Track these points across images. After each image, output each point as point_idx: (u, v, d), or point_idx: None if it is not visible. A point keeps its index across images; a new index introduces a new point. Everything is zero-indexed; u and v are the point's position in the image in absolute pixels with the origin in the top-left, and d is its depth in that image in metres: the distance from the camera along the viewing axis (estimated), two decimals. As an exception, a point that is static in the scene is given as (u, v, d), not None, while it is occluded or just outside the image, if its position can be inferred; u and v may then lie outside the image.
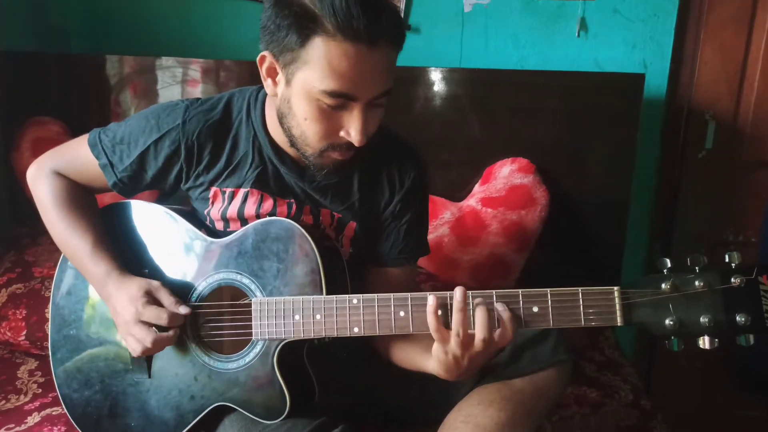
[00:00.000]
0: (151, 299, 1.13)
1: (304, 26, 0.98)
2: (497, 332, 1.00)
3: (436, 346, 1.03)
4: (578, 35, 2.02)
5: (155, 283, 1.15)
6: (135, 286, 1.14)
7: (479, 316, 0.99)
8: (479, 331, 0.99)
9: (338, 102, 1.02)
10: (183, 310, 1.13)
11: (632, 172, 1.99)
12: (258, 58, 1.07)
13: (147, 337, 1.11)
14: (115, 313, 1.16)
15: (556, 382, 1.18)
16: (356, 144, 1.06)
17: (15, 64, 2.06)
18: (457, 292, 1.00)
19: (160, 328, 1.12)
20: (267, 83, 1.10)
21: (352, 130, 1.05)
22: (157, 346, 1.13)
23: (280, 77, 1.06)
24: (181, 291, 1.18)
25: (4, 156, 2.06)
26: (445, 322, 1.01)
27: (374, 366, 1.29)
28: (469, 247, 1.89)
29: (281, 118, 1.11)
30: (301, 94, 1.03)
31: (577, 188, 2.00)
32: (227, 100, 1.22)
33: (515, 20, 2.04)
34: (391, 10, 1.02)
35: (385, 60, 1.02)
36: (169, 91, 2.08)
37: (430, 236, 1.52)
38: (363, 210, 1.22)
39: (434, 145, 1.95)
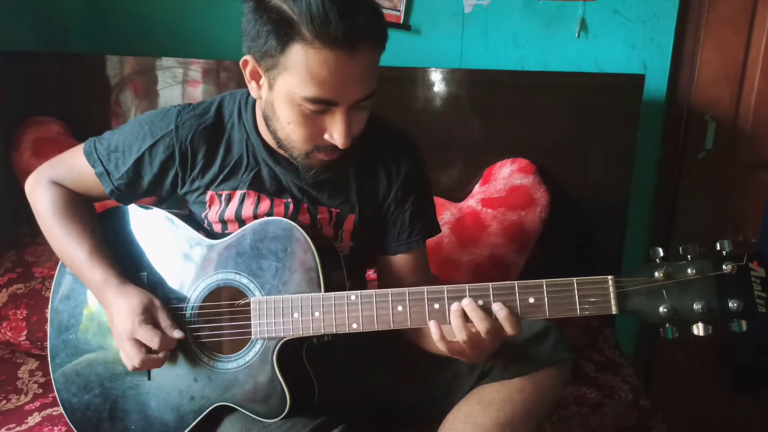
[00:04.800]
0: (149, 318, 1.13)
1: (283, 33, 0.97)
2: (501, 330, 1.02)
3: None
4: (578, 36, 2.02)
5: (156, 302, 1.16)
6: (135, 300, 1.14)
7: (472, 316, 1.01)
8: (480, 326, 1.01)
9: (320, 107, 1.02)
10: (177, 334, 1.13)
11: (632, 172, 1.99)
12: (241, 62, 1.07)
13: (136, 357, 1.12)
14: (111, 321, 1.17)
15: (556, 381, 1.18)
16: (340, 146, 1.06)
17: (15, 63, 2.06)
18: (453, 308, 1.02)
19: (151, 349, 1.13)
20: (251, 86, 1.10)
21: (336, 133, 1.05)
22: (145, 366, 1.14)
23: (263, 81, 1.06)
24: (179, 293, 1.19)
25: (4, 156, 2.06)
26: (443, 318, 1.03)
27: (374, 366, 1.30)
28: (469, 247, 1.89)
29: (267, 121, 1.11)
30: (283, 99, 1.04)
31: (577, 189, 2.00)
32: (219, 103, 1.22)
33: (515, 21, 2.04)
34: (371, 12, 1.00)
35: (367, 64, 1.01)
36: (169, 91, 2.08)
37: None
38: (361, 201, 1.22)
39: (434, 145, 1.95)
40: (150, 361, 1.12)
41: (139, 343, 1.12)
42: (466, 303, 1.01)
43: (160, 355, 1.13)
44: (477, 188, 1.99)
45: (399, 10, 2.04)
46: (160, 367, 1.16)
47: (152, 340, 1.11)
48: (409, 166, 1.23)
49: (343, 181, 1.22)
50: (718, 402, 2.26)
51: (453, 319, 1.02)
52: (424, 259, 1.29)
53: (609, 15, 2.00)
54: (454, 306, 1.02)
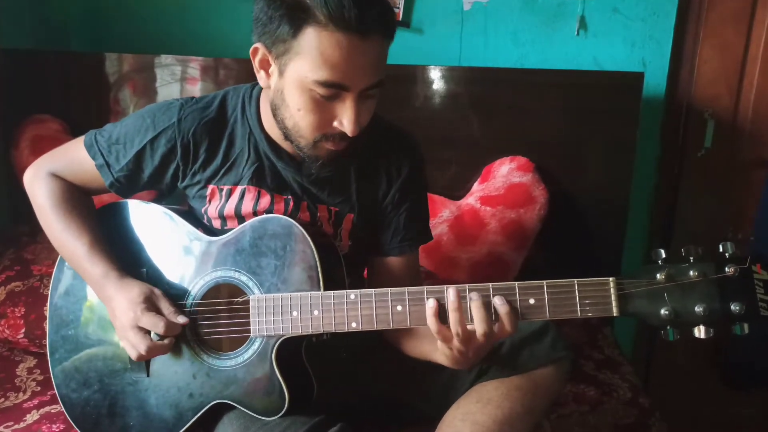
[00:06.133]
0: (151, 306, 1.13)
1: (296, 17, 0.98)
2: (496, 326, 1.01)
3: (440, 344, 1.05)
4: (578, 34, 2.02)
5: (157, 291, 1.15)
6: (136, 290, 1.14)
7: (476, 314, 1.00)
8: (479, 327, 1.00)
9: (331, 92, 1.02)
10: (181, 320, 1.13)
11: (631, 170, 1.99)
12: (251, 50, 1.08)
13: (141, 344, 1.11)
14: (113, 315, 1.16)
15: (555, 379, 1.18)
16: (349, 134, 1.06)
17: (14, 61, 2.06)
18: (450, 292, 1.01)
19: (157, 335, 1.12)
20: (260, 75, 1.10)
21: (345, 120, 1.05)
22: (151, 353, 1.13)
23: (273, 69, 1.07)
24: (178, 289, 1.19)
25: (3, 154, 2.06)
26: (443, 319, 1.02)
27: (373, 364, 1.30)
28: (467, 245, 1.89)
29: (275, 110, 1.11)
30: (294, 84, 1.04)
31: (576, 187, 2.00)
32: (222, 97, 1.22)
33: (515, 18, 2.04)
34: (382, 1, 1.02)
35: (377, 50, 1.02)
36: (168, 89, 2.08)
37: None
38: (360, 201, 1.22)
39: (433, 143, 1.93)
40: (156, 348, 1.12)
41: (144, 331, 1.12)
42: (475, 298, 1.01)
43: (166, 341, 1.13)
44: (476, 186, 1.99)
45: (398, 7, 2.04)
46: (165, 354, 1.16)
47: (157, 326, 1.10)
48: (410, 168, 1.23)
49: (345, 180, 1.22)
50: (717, 400, 2.26)
51: (451, 312, 1.01)
52: (415, 264, 1.29)
53: (608, 13, 2.00)
54: (452, 296, 1.00)
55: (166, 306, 1.14)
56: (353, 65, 1.00)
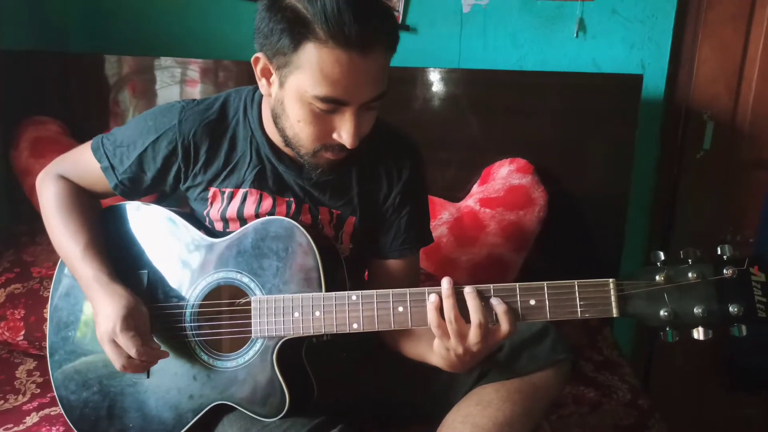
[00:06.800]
0: (131, 323, 1.11)
1: (297, 32, 0.98)
2: (496, 326, 1.01)
3: (437, 343, 1.06)
4: (577, 35, 2.03)
5: (144, 309, 1.14)
6: (123, 302, 1.12)
7: (470, 303, 1.01)
8: (473, 317, 1.01)
9: (330, 107, 1.02)
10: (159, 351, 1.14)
11: (631, 172, 2.00)
12: (252, 59, 1.08)
13: (117, 360, 1.11)
14: (96, 320, 1.15)
15: (555, 381, 1.18)
16: (348, 146, 1.06)
17: (14, 62, 2.06)
18: (444, 281, 1.02)
19: None
20: (261, 83, 1.10)
21: (344, 133, 1.05)
22: (126, 370, 1.13)
23: (274, 78, 1.07)
24: (179, 291, 1.19)
25: (3, 155, 2.05)
26: (443, 314, 1.03)
27: (373, 365, 1.30)
28: (467, 247, 1.89)
29: (275, 119, 1.11)
30: (293, 97, 1.04)
31: (576, 189, 2.00)
32: (224, 100, 1.22)
33: (514, 20, 2.04)
34: (384, 14, 1.01)
35: (378, 65, 1.02)
36: (167, 91, 2.08)
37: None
38: (362, 204, 1.23)
39: (433, 145, 1.95)
40: (131, 366, 1.12)
41: (120, 348, 1.11)
42: (468, 291, 1.01)
43: (142, 363, 1.12)
44: (475, 188, 2.00)
45: (397, 11, 2.04)
46: (141, 372, 1.17)
47: (131, 349, 1.09)
48: (410, 171, 1.23)
49: (346, 183, 1.22)
50: (717, 400, 2.26)
51: (444, 299, 1.01)
52: (415, 266, 1.30)
53: (607, 15, 2.01)
54: (445, 284, 1.01)
55: (144, 327, 1.13)
56: (353, 82, 1.00)
